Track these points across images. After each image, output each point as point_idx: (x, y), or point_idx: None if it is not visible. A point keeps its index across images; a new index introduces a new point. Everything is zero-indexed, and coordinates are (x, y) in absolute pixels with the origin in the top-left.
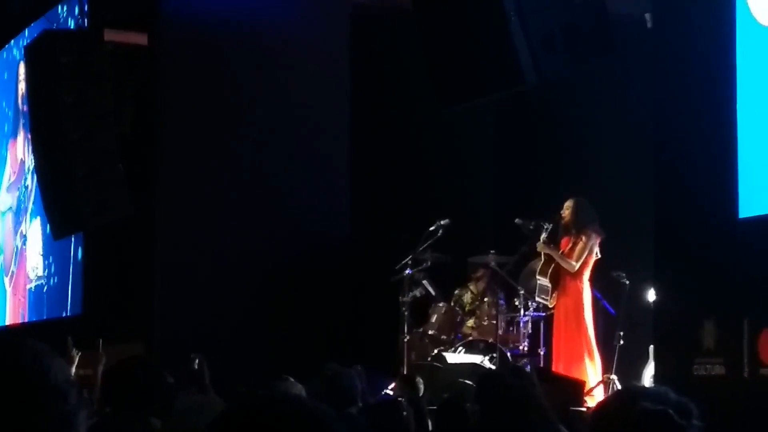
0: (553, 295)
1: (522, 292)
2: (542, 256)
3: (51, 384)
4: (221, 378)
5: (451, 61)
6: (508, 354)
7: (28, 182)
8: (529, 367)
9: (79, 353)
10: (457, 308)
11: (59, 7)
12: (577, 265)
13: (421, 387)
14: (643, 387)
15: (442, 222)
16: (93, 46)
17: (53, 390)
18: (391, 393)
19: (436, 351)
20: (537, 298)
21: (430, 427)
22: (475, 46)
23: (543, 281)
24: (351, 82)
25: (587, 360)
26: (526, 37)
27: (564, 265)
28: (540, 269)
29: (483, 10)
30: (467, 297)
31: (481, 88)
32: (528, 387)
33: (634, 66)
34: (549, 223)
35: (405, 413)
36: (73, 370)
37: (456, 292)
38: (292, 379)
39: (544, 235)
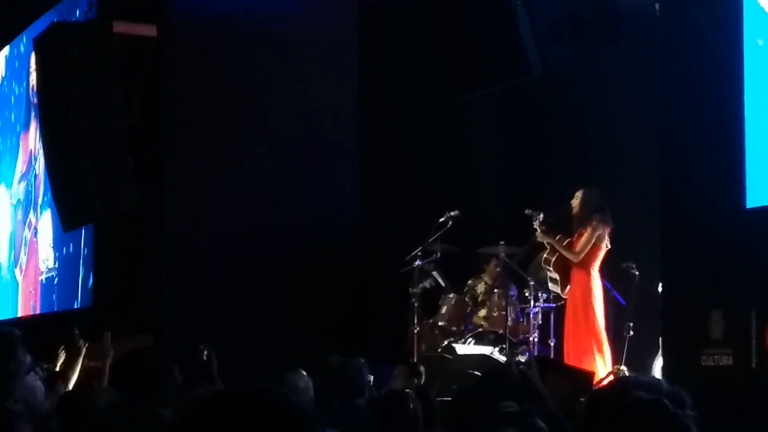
0: (566, 285)
1: (532, 283)
2: (546, 245)
3: None
4: (229, 369)
5: (457, 51)
6: (516, 344)
7: (38, 172)
8: (527, 356)
9: (86, 345)
10: (468, 299)
11: None
12: (580, 256)
13: (423, 374)
14: (638, 377)
15: (451, 213)
16: (102, 38)
17: None
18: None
19: (446, 342)
20: (550, 287)
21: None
22: (481, 36)
23: (549, 271)
24: (360, 74)
25: (596, 351)
26: (533, 26)
27: (566, 254)
28: (544, 259)
29: (489, 0)
30: (480, 287)
31: (488, 78)
32: (522, 377)
33: (643, 56)
34: (540, 212)
35: (412, 405)
36: (80, 361)
37: (469, 282)
38: (301, 371)
39: (536, 223)
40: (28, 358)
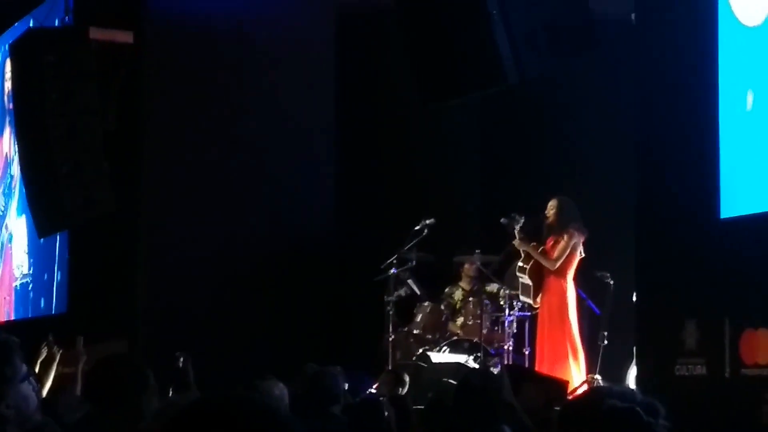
0: (538, 294)
1: (507, 291)
2: (521, 253)
3: None
4: (204, 376)
5: (433, 59)
6: (492, 353)
7: (14, 174)
8: (499, 366)
9: (60, 351)
10: (445, 307)
11: (44, 5)
12: (557, 263)
13: (407, 383)
14: (611, 386)
15: (427, 221)
16: (78, 44)
17: None
18: (374, 390)
19: (420, 350)
20: (521, 297)
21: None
22: (457, 44)
23: (523, 279)
24: (337, 81)
25: (571, 359)
26: (509, 34)
27: (543, 261)
28: (519, 266)
29: (465, 8)
30: (458, 294)
31: (464, 87)
32: (492, 387)
33: (619, 66)
34: (521, 216)
35: (386, 413)
36: (54, 367)
37: (446, 290)
38: (275, 379)
39: (517, 227)
40: (24, 367)
